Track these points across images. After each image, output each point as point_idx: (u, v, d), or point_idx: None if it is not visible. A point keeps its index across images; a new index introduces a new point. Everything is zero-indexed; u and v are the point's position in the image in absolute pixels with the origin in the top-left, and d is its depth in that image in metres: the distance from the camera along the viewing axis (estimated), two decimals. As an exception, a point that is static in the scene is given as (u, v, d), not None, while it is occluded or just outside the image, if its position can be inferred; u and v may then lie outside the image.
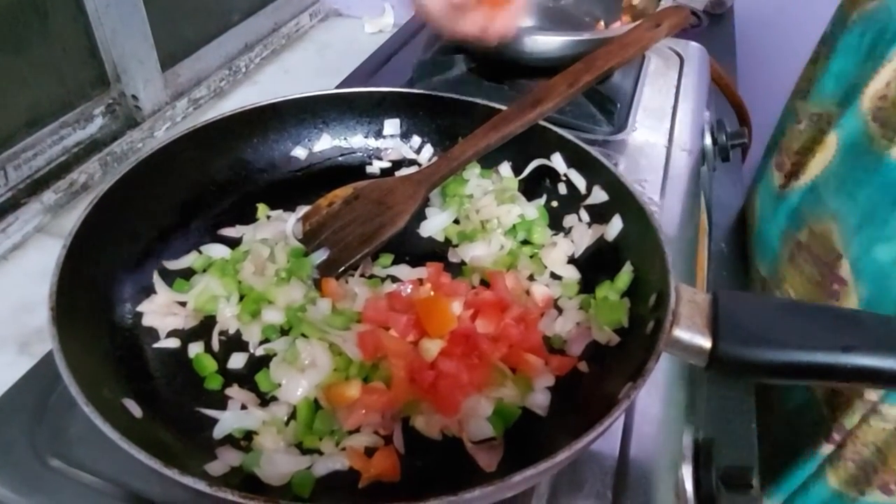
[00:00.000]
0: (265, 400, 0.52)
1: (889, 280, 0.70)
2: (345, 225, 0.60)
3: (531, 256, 0.64)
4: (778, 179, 0.91)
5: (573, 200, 0.66)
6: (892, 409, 0.71)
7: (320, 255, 0.59)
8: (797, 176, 0.85)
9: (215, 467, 0.45)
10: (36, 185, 0.85)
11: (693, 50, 1.12)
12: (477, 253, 0.63)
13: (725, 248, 1.01)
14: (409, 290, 0.56)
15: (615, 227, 0.61)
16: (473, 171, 0.70)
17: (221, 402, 0.51)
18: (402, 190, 0.62)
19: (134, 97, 0.98)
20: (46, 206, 0.84)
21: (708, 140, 0.97)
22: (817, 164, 0.81)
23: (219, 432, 0.48)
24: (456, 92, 0.73)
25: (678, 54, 1.10)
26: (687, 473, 0.58)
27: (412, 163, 0.74)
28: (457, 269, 0.62)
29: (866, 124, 0.72)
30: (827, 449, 0.77)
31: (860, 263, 0.73)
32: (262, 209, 0.66)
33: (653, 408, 0.60)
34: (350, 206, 0.62)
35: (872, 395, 0.72)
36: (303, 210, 0.63)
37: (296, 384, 0.51)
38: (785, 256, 0.85)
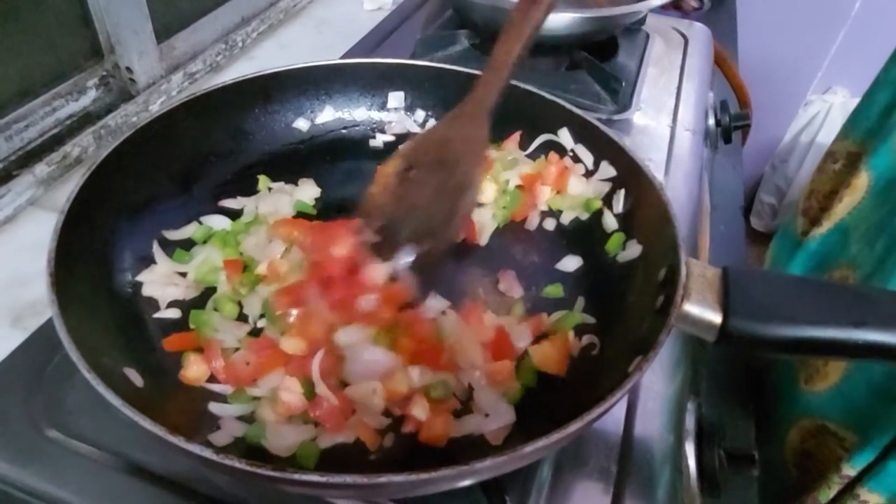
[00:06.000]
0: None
1: None
2: (413, 208, 0.49)
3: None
4: (801, 226, 0.84)
5: (580, 176, 0.65)
6: (872, 496, 0.67)
7: (406, 260, 0.49)
8: (820, 222, 0.79)
9: (219, 437, 0.45)
10: (28, 157, 0.83)
11: (697, 31, 1.11)
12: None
13: (725, 229, 1.01)
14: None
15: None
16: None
17: (223, 374, 0.50)
18: (459, 132, 0.50)
19: (128, 69, 0.96)
20: (39, 179, 0.82)
21: (711, 121, 0.96)
22: (844, 207, 0.75)
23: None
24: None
25: (682, 35, 1.09)
26: (690, 450, 0.58)
27: (416, 137, 0.73)
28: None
29: None
30: None
31: None
32: (263, 181, 0.65)
33: (657, 385, 0.60)
34: (409, 183, 0.51)
35: (849, 469, 0.68)
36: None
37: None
38: None
